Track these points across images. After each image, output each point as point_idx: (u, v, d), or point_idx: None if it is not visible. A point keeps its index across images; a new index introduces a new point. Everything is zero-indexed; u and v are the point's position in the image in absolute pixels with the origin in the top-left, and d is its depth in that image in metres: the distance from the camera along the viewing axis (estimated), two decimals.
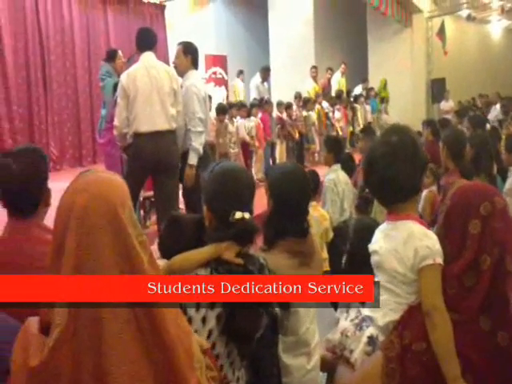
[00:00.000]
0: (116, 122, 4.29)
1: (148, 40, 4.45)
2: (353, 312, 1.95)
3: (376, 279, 1.88)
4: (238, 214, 1.68)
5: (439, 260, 1.70)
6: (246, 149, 7.39)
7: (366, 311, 1.87)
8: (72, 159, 9.88)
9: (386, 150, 1.78)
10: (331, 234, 4.39)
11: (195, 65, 4.67)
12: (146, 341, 1.18)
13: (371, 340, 1.79)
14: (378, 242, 1.86)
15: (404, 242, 1.75)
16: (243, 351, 1.74)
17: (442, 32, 14.93)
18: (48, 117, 9.60)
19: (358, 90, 12.96)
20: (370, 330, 1.81)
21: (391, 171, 1.75)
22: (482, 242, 1.68)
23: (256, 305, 1.65)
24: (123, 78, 4.30)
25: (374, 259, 1.87)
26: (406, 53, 14.71)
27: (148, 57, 4.34)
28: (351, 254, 2.91)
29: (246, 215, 1.69)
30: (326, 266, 4.25)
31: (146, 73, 4.25)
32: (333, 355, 1.99)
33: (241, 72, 10.53)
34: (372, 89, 13.71)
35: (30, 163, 1.84)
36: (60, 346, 1.13)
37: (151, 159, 4.19)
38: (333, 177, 4.80)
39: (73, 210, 1.19)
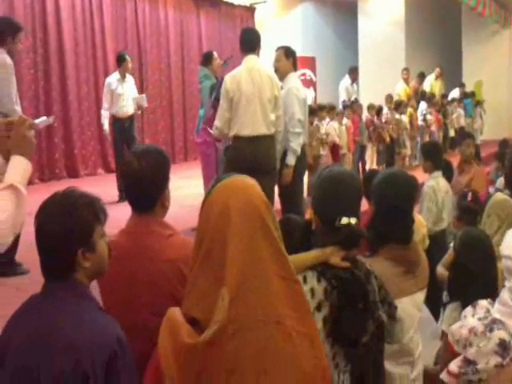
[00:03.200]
0: (217, 123, 4.34)
1: (252, 42, 4.43)
2: (481, 310, 1.89)
3: (506, 283, 1.81)
4: (344, 220, 1.66)
5: None
6: (336, 151, 7.33)
7: (496, 313, 1.81)
8: None
9: None
10: (427, 242, 4.28)
11: (295, 67, 4.75)
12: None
13: (503, 343, 1.72)
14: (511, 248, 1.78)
15: None
16: (349, 355, 1.73)
17: None
18: (143, 115, 10.03)
19: (455, 93, 12.44)
20: (502, 333, 1.74)
21: None
22: None
23: (362, 309, 1.64)
24: (227, 80, 4.31)
25: (506, 264, 1.81)
26: (505, 55, 13.99)
27: (251, 60, 4.35)
28: (458, 265, 2.83)
29: (353, 220, 1.67)
30: None
31: (250, 77, 4.27)
32: (434, 368, 1.94)
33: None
34: (467, 92, 13.14)
35: (150, 163, 1.90)
36: (218, 340, 1.18)
37: (249, 163, 4.19)
38: (433, 184, 4.65)
39: (229, 215, 1.24)
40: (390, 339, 1.99)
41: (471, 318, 1.87)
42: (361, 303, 1.64)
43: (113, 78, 7.11)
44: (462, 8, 13.55)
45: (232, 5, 12.33)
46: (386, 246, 2.08)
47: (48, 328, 1.42)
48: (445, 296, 3.07)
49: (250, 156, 4.25)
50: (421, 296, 2.13)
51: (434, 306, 3.22)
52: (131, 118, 7.04)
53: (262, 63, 4.46)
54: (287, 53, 4.67)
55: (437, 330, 2.73)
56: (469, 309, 1.93)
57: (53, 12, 8.51)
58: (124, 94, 6.96)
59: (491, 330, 1.78)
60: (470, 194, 3.97)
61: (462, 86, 13.10)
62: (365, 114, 8.75)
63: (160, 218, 1.96)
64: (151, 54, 10.29)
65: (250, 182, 1.35)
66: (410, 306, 2.05)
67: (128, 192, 1.97)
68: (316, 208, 1.79)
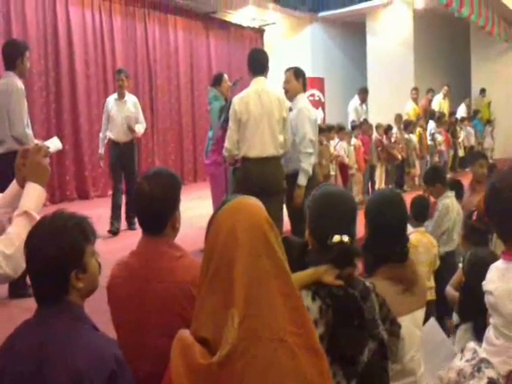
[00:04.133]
0: (227, 145, 4.36)
1: (260, 63, 4.44)
2: (468, 353, 1.88)
3: (491, 320, 1.80)
4: (336, 238, 1.68)
5: None
6: (345, 171, 7.34)
7: (482, 353, 1.79)
8: None
9: (509, 184, 1.73)
10: (438, 263, 4.25)
11: (305, 88, 4.78)
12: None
13: (491, 381, 1.71)
14: (494, 282, 1.78)
15: None
16: (348, 373, 1.71)
17: None
18: (154, 137, 10.14)
19: (461, 109, 12.45)
20: (491, 373, 1.73)
21: None
22: None
23: (358, 327, 1.65)
24: (236, 101, 4.34)
25: (488, 300, 1.80)
26: None
27: (260, 82, 4.38)
28: (467, 287, 2.82)
29: (345, 238, 1.68)
30: (432, 295, 4.13)
31: (258, 99, 4.29)
32: None
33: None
34: (477, 111, 13.16)
35: (160, 185, 1.94)
36: (230, 360, 1.19)
37: (258, 184, 4.20)
38: (447, 202, 4.64)
39: (236, 235, 1.27)
40: (394, 358, 1.98)
41: (459, 361, 1.86)
42: (356, 321, 1.65)
43: (111, 97, 6.68)
44: (470, 27, 13.63)
45: (241, 26, 12.50)
46: (382, 266, 2.09)
47: (44, 354, 1.42)
48: (454, 317, 3.05)
49: (258, 177, 4.26)
50: (420, 314, 2.14)
51: (444, 326, 3.20)
52: (130, 142, 6.41)
53: (270, 85, 4.48)
54: (297, 74, 4.70)
55: (451, 352, 2.70)
56: (458, 355, 1.92)
57: (64, 35, 8.68)
58: (119, 116, 6.37)
59: (479, 370, 1.77)
60: (475, 213, 3.94)
61: (465, 99, 13.13)
62: (374, 134, 8.78)
63: (171, 240, 1.98)
64: (161, 75, 10.43)
65: (254, 202, 1.38)
66: (411, 325, 2.06)
67: (139, 214, 2.00)
68: (310, 227, 1.81)
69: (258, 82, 4.39)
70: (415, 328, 2.09)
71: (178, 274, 1.85)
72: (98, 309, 1.98)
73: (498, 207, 1.77)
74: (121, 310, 1.91)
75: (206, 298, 1.29)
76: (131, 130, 6.31)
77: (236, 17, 12.13)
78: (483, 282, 1.85)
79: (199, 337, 1.26)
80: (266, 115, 4.29)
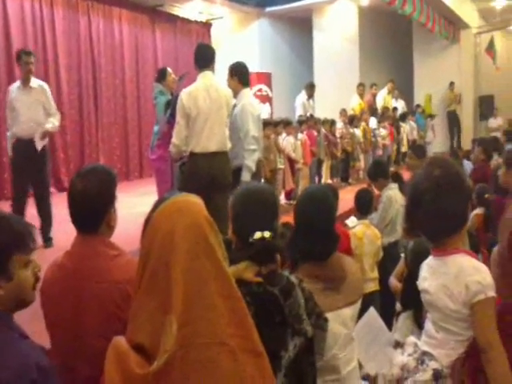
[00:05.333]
0: (175, 141, 4.29)
1: (207, 57, 4.43)
2: (409, 348, 1.91)
3: (429, 316, 1.85)
4: (258, 234, 1.68)
5: (491, 293, 1.67)
6: (292, 165, 7.39)
7: (424, 347, 1.83)
8: (120, 174, 10.08)
9: (430, 184, 1.76)
10: (381, 254, 4.35)
11: (245, 83, 4.73)
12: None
13: (436, 373, 1.75)
14: (428, 280, 1.82)
15: (454, 278, 1.72)
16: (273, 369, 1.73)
17: (491, 47, 14.64)
18: (98, 132, 9.90)
19: (399, 105, 12.71)
20: (435, 365, 1.77)
21: (436, 205, 1.73)
22: None
23: (280, 323, 1.65)
24: (184, 97, 4.26)
25: (424, 298, 1.84)
26: (454, 69, 14.49)
27: (207, 76, 4.35)
28: (409, 276, 2.88)
29: (266, 234, 1.68)
30: (376, 285, 4.23)
31: (207, 93, 4.27)
32: None
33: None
34: (418, 106, 13.55)
35: (94, 183, 1.88)
36: (168, 369, 1.16)
37: (205, 178, 4.22)
38: (390, 193, 4.75)
39: (173, 238, 1.23)
40: (320, 351, 1.97)
41: (401, 356, 1.90)
42: (277, 317, 1.65)
43: (14, 86, 5.39)
44: (413, 24, 13.97)
45: (188, 20, 12.35)
46: (304, 264, 2.08)
47: None
48: (397, 306, 3.12)
49: (206, 172, 4.25)
50: (348, 312, 2.10)
51: (388, 315, 3.27)
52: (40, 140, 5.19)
53: (216, 79, 4.46)
54: (231, 71, 4.69)
55: (391, 339, 2.76)
56: (398, 350, 1.96)
57: (1, 27, 8.32)
58: (23, 107, 5.18)
59: (423, 363, 1.80)
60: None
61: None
62: (322, 129, 8.88)
63: (106, 239, 1.93)
64: (106, 69, 10.17)
65: (194, 200, 1.34)
66: (334, 323, 2.02)
67: (72, 212, 1.93)
68: (233, 225, 1.81)
69: (205, 77, 4.35)
70: (340, 326, 2.06)
71: (114, 273, 1.81)
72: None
73: (420, 213, 1.79)
74: (55, 311, 1.86)
75: (142, 301, 1.25)
76: (43, 134, 5.19)
77: (183, 10, 11.98)
78: (417, 281, 1.88)
79: (135, 343, 1.22)
80: (214, 110, 4.27)
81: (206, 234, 1.26)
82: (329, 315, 1.99)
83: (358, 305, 2.19)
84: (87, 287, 1.80)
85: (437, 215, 1.74)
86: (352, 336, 2.13)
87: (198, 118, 4.23)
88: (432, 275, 1.81)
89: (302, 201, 2.21)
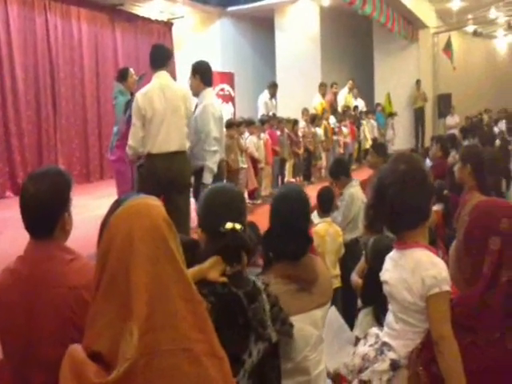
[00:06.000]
0: (131, 142, 4.24)
1: (162, 57, 4.38)
2: (371, 338, 1.96)
3: (389, 307, 1.88)
4: (229, 225, 1.66)
5: (446, 288, 1.72)
6: (255, 165, 7.40)
7: (385, 338, 1.87)
8: (80, 176, 9.89)
9: (395, 179, 1.81)
10: (343, 251, 4.40)
11: (207, 83, 4.70)
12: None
13: (394, 363, 1.79)
14: (389, 272, 1.87)
15: (412, 271, 1.77)
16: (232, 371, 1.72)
17: (448, 47, 15.02)
18: (57, 134, 9.68)
19: (359, 104, 12.89)
20: (392, 355, 1.81)
21: (400, 199, 1.78)
22: (501, 258, 1.68)
23: (243, 326, 1.64)
24: (139, 98, 4.22)
25: (385, 289, 1.88)
26: (413, 68, 14.79)
27: (163, 76, 4.30)
28: (370, 273, 2.92)
29: (237, 226, 1.67)
30: (338, 282, 4.27)
31: (162, 94, 4.21)
32: None
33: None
34: (378, 104, 13.77)
35: (47, 186, 1.83)
36: (129, 378, 1.13)
37: (164, 179, 4.17)
38: (352, 191, 4.81)
39: (132, 242, 1.20)
40: (286, 357, 1.97)
41: (363, 346, 1.94)
42: (240, 320, 1.64)
43: None
44: (373, 24, 14.19)
45: (149, 20, 12.21)
46: (278, 263, 2.07)
47: None
48: (358, 302, 3.16)
49: (164, 173, 4.19)
50: (319, 313, 2.10)
51: (350, 312, 3.31)
52: None
53: (172, 79, 4.42)
54: (194, 70, 4.67)
55: (351, 337, 2.80)
56: (361, 341, 2.00)
57: None
58: None
59: (382, 353, 1.84)
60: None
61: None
62: (286, 129, 8.92)
63: (61, 243, 1.88)
64: (64, 69, 9.94)
65: (152, 203, 1.30)
66: (305, 324, 2.02)
67: (24, 217, 1.87)
68: (201, 222, 1.80)
69: (160, 77, 4.30)
70: (311, 327, 2.05)
71: (69, 278, 1.77)
72: None
73: (384, 206, 1.82)
74: (7, 318, 1.80)
75: (100, 307, 1.21)
76: None
77: (143, 10, 11.83)
78: (380, 273, 1.92)
79: (93, 350, 1.18)
80: (170, 110, 4.21)
81: (165, 237, 1.23)
82: (300, 317, 1.99)
83: (328, 306, 2.20)
84: (41, 293, 1.75)
85: (400, 209, 1.78)
86: (322, 337, 2.14)
87: (153, 119, 4.18)
88: (393, 267, 1.85)
89: (277, 200, 2.20)
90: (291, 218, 2.08)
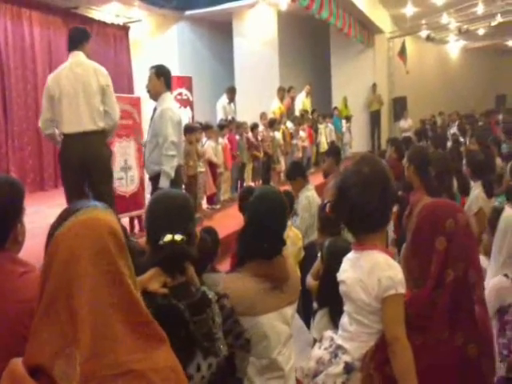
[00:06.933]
0: (39, 123, 4.28)
1: (76, 39, 4.42)
2: (326, 341, 1.97)
3: (345, 308, 1.90)
4: (168, 237, 1.62)
5: (401, 290, 1.74)
6: (214, 170, 7.37)
7: (339, 340, 1.88)
8: (33, 184, 9.61)
9: (358, 180, 1.81)
10: (302, 254, 4.42)
11: (169, 87, 4.66)
12: None
13: (347, 366, 1.80)
14: (346, 272, 1.88)
15: (368, 272, 1.78)
16: None
17: (403, 52, 15.36)
18: (8, 140, 9.38)
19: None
20: (346, 358, 1.82)
21: (362, 200, 1.78)
22: (447, 257, 1.73)
23: (186, 339, 1.60)
24: (49, 79, 4.26)
25: (341, 289, 1.90)
26: (369, 72, 15.06)
27: (75, 56, 4.32)
28: (325, 274, 2.95)
29: (177, 237, 1.63)
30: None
31: (71, 72, 4.22)
32: None
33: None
34: (336, 108, 13.95)
35: None
36: None
37: (78, 160, 4.12)
38: (308, 194, 4.84)
39: (75, 263, 1.15)
40: (263, 355, 2.02)
41: (318, 349, 1.95)
42: (182, 332, 1.60)
43: None
44: (330, 28, 14.37)
45: (104, 23, 12.03)
46: (252, 262, 2.11)
47: None
48: (314, 304, 3.19)
49: (77, 154, 4.15)
50: (289, 311, 2.18)
51: (309, 314, 3.33)
52: None
53: (85, 57, 4.38)
54: (158, 72, 4.59)
55: (310, 338, 2.82)
56: (316, 344, 2.02)
57: None
58: None
59: (336, 356, 1.85)
60: (328, 204, 4.13)
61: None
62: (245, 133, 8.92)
63: (14, 255, 1.82)
64: (15, 73, 9.64)
65: (101, 217, 1.23)
66: (278, 322, 2.09)
67: None
68: (146, 230, 1.77)
69: (73, 56, 4.33)
70: (283, 324, 2.12)
71: (22, 291, 1.71)
72: None
73: (345, 206, 1.83)
74: None
75: (42, 322, 1.16)
76: None
77: (99, 13, 11.66)
78: (337, 274, 1.93)
79: (36, 363, 1.13)
80: (80, 87, 4.20)
81: (112, 257, 1.17)
82: (274, 314, 2.05)
83: (296, 304, 2.26)
84: None
85: (361, 211, 1.79)
86: (291, 334, 2.19)
87: (62, 98, 4.18)
88: (350, 268, 1.87)
89: (254, 199, 2.22)
90: (267, 218, 2.11)
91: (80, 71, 4.19)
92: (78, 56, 4.30)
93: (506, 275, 2.65)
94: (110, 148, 4.48)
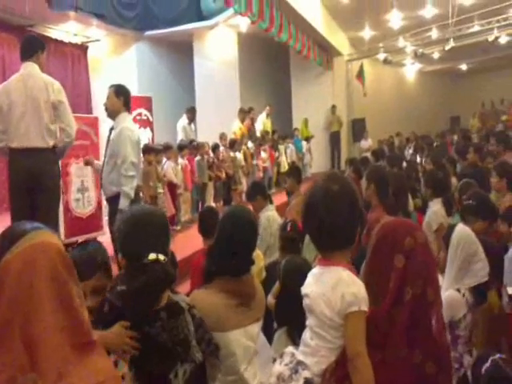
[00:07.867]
0: None
1: (29, 49, 4.22)
2: (287, 357, 1.95)
3: (307, 323, 1.89)
4: (152, 256, 1.63)
5: (364, 307, 1.75)
6: (174, 191, 7.29)
7: (299, 356, 1.87)
8: None
9: (326, 197, 1.82)
10: (264, 274, 4.39)
11: (128, 108, 4.59)
12: None
13: (307, 382, 1.79)
14: (310, 286, 1.88)
15: (332, 287, 1.78)
16: None
17: (361, 74, 15.73)
18: None
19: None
20: (306, 374, 1.81)
21: (330, 217, 1.79)
22: (405, 275, 1.75)
23: (167, 349, 1.63)
24: None
25: (305, 302, 1.89)
26: (328, 94, 15.34)
27: (27, 67, 4.15)
28: (283, 294, 2.94)
29: (161, 257, 1.64)
30: None
31: (22, 84, 4.07)
32: None
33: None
34: (296, 129, 14.12)
35: None
36: None
37: (24, 177, 4.00)
38: (269, 214, 4.83)
39: (32, 289, 1.14)
40: (231, 371, 2.07)
41: (278, 365, 1.94)
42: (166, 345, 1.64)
43: None
44: (290, 51, 14.59)
45: (62, 42, 11.87)
46: (221, 278, 2.14)
47: None
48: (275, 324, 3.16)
49: (26, 172, 4.03)
50: (256, 328, 2.22)
51: (269, 333, 3.30)
52: None
53: (38, 70, 4.21)
54: (117, 91, 4.52)
55: (271, 355, 2.80)
56: (277, 360, 2.00)
57: None
58: None
59: (296, 372, 1.84)
60: (289, 224, 4.17)
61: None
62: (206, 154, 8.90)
63: None
64: None
65: (51, 239, 1.22)
66: (244, 338, 2.12)
67: None
68: (122, 248, 1.75)
69: (25, 67, 4.16)
70: (249, 341, 2.15)
71: None
72: None
73: (313, 222, 1.83)
74: None
75: None
76: None
77: (57, 32, 11.49)
78: (302, 287, 1.92)
79: None
80: (30, 101, 4.06)
81: (65, 282, 1.18)
82: (238, 331, 2.09)
83: (262, 321, 2.30)
84: None
85: (329, 229, 1.79)
86: (257, 350, 2.23)
87: (11, 111, 4.05)
88: (314, 282, 1.86)
89: (224, 217, 2.28)
90: (236, 236, 2.16)
91: (31, 85, 4.04)
92: (31, 67, 4.14)
93: (458, 290, 2.73)
94: (59, 167, 4.31)
